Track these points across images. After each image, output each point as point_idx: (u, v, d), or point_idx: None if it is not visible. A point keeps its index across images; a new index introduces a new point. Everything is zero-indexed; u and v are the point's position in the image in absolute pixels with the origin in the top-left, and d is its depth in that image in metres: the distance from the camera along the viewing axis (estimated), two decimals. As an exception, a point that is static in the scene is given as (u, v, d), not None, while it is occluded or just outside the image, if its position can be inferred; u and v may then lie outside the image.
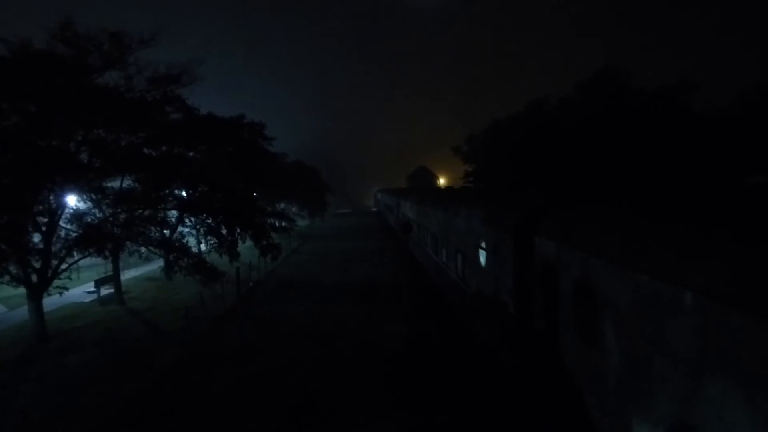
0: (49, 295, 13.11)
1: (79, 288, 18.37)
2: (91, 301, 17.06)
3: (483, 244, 9.28)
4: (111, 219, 14.63)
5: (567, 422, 5.75)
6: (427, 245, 18.03)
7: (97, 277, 17.91)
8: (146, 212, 15.10)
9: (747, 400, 2.93)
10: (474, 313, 10.54)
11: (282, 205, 43.43)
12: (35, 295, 12.70)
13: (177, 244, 15.06)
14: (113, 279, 17.42)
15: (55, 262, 13.02)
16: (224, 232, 15.13)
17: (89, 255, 13.59)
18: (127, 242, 15.02)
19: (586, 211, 6.01)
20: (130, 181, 16.36)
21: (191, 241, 17.93)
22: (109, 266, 18.69)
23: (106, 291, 17.27)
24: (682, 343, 3.50)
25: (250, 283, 19.67)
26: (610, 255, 4.65)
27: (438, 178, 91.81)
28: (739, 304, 3.05)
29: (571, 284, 5.53)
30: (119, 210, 14.71)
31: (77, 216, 14.30)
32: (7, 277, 12.14)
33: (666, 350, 3.69)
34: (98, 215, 14.92)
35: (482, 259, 9.40)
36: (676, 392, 3.54)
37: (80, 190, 14.19)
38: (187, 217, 17.51)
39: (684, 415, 3.42)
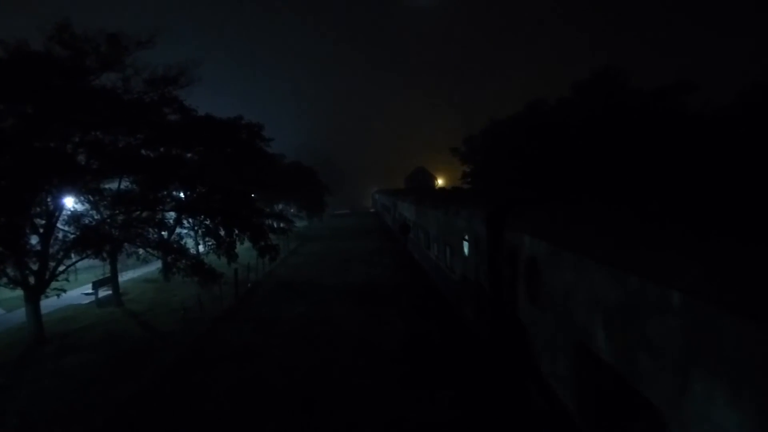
0: (47, 297, 13.05)
1: (76, 290, 18.28)
2: (88, 303, 16.98)
3: (466, 237, 10.45)
4: (109, 220, 14.59)
5: (516, 362, 7.53)
6: (421, 242, 19.47)
7: (94, 279, 17.86)
8: (144, 214, 15.05)
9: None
10: (459, 295, 11.94)
11: (280, 206, 43.40)
12: (33, 297, 12.65)
13: (175, 246, 14.98)
14: (111, 281, 17.35)
15: (52, 264, 12.97)
16: (222, 233, 15.08)
17: (87, 257, 13.53)
18: (125, 244, 14.96)
19: (539, 207, 7.47)
20: (127, 183, 16.31)
21: (189, 243, 17.87)
22: (107, 268, 18.64)
23: (103, 293, 17.21)
24: (579, 295, 4.98)
25: (249, 285, 19.64)
26: (546, 237, 5.98)
27: (436, 179, 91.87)
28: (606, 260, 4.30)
29: (523, 261, 6.95)
30: (117, 211, 14.66)
31: (75, 218, 14.23)
32: (4, 279, 12.09)
33: (574, 300, 5.14)
34: (96, 217, 14.87)
35: (466, 250, 10.62)
36: (577, 323, 5.07)
37: (78, 192, 14.14)
38: (185, 219, 17.46)
39: (580, 336, 4.95)
